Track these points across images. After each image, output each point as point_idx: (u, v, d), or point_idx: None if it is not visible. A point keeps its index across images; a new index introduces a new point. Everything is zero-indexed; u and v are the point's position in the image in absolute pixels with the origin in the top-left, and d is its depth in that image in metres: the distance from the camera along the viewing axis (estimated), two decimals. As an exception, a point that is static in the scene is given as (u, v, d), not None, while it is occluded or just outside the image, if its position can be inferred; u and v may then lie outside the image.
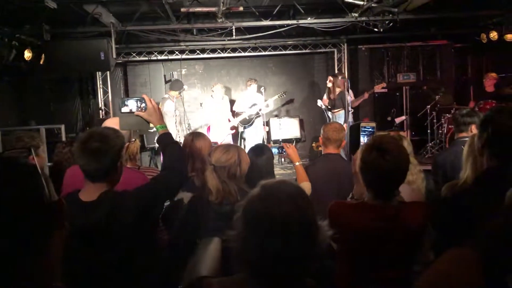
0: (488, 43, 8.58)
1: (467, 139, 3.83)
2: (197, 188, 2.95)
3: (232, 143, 8.45)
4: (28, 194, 0.99)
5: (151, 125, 2.49)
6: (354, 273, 2.04)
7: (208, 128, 8.46)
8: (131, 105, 2.44)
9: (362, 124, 2.37)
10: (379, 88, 8.38)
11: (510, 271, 1.05)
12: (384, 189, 1.97)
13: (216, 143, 3.14)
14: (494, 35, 8.34)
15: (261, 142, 8.57)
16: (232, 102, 9.10)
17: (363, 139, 2.32)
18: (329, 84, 8.35)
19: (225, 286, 1.37)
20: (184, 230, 2.80)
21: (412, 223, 1.95)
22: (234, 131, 8.65)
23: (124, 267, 2.04)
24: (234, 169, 2.68)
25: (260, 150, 3.25)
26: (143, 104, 2.43)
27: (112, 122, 3.02)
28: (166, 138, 2.45)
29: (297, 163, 3.44)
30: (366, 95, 8.26)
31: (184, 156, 2.61)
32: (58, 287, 1.04)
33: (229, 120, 8.59)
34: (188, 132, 8.38)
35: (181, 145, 3.28)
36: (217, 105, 8.45)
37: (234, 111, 8.78)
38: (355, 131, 2.44)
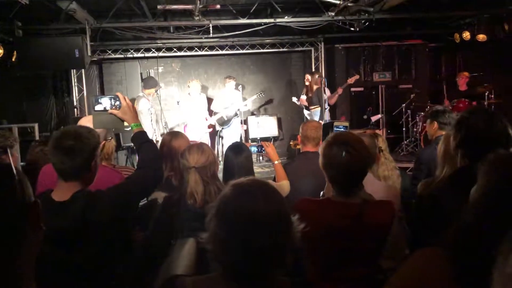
0: (461, 42, 8.76)
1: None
2: (175, 187, 2.92)
3: (209, 142, 8.43)
4: (2, 195, 0.96)
5: (125, 123, 2.46)
6: (321, 271, 2.04)
7: (185, 127, 8.39)
8: (105, 103, 2.41)
9: (335, 123, 2.38)
10: (352, 81, 8.41)
11: (479, 268, 1.06)
12: (346, 185, 1.98)
13: (195, 142, 3.09)
14: (466, 35, 8.53)
15: (238, 140, 8.56)
16: (209, 100, 9.04)
17: None
18: (307, 82, 8.40)
19: (199, 284, 1.37)
20: (159, 230, 2.76)
21: (376, 221, 1.96)
22: (211, 129, 8.62)
23: (97, 268, 2.01)
24: (213, 168, 2.65)
25: (239, 148, 3.23)
26: (117, 102, 2.40)
27: (86, 121, 2.97)
28: (140, 136, 2.42)
29: (276, 162, 3.45)
30: (340, 90, 8.30)
31: (159, 155, 2.56)
32: None
33: (206, 119, 8.54)
34: (165, 131, 8.35)
35: (159, 144, 3.24)
36: (194, 102, 8.38)
37: (212, 111, 8.74)
38: (328, 130, 2.43)
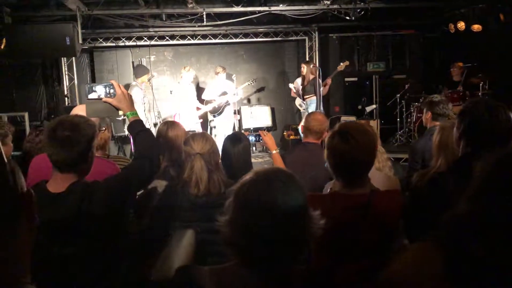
0: (455, 33, 8.73)
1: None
2: (173, 178, 2.86)
3: (201, 131, 8.34)
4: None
5: (120, 112, 2.39)
6: (327, 265, 2.01)
7: (174, 117, 8.23)
8: (100, 91, 2.33)
9: (342, 118, 2.33)
10: (342, 67, 8.31)
11: (470, 266, 1.04)
12: (352, 175, 1.95)
13: (193, 131, 3.05)
14: (461, 25, 8.49)
15: (231, 130, 8.49)
16: (201, 90, 8.94)
17: None
18: (303, 71, 8.34)
19: (217, 273, 1.35)
20: (158, 220, 2.73)
21: (385, 211, 1.93)
22: (201, 119, 8.52)
23: (93, 259, 1.97)
24: (216, 157, 2.64)
25: (237, 138, 3.18)
26: (112, 90, 2.33)
27: (79, 109, 2.90)
28: (137, 125, 2.35)
29: (274, 151, 3.41)
30: (329, 81, 8.21)
31: (156, 143, 2.51)
32: (26, 283, 0.98)
33: (198, 108, 8.43)
34: (158, 121, 8.26)
35: (155, 134, 3.18)
36: (185, 91, 8.24)
37: (204, 100, 8.64)
38: (335, 124, 2.39)
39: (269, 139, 3.52)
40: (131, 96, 2.42)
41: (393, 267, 1.24)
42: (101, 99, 2.32)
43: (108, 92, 2.33)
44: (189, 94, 8.22)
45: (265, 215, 1.24)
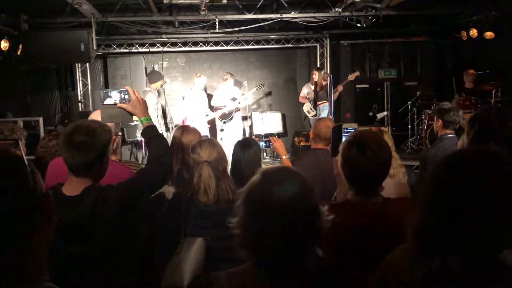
0: (468, 40, 8.69)
1: (451, 135, 3.91)
2: (186, 181, 2.89)
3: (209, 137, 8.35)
4: (18, 187, 0.96)
5: (134, 117, 2.43)
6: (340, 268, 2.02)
7: (183, 122, 8.30)
8: (115, 96, 2.38)
9: (344, 125, 2.32)
10: (352, 78, 8.36)
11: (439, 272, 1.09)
12: (367, 185, 1.94)
13: (206, 136, 3.06)
14: (474, 32, 8.45)
15: (240, 136, 8.52)
16: (210, 96, 8.99)
17: None
18: (315, 78, 8.38)
19: (233, 276, 1.38)
20: (166, 227, 2.73)
21: (398, 219, 1.93)
22: (209, 125, 8.56)
23: (105, 262, 2.01)
24: (224, 163, 2.61)
25: (247, 144, 3.20)
26: (127, 96, 2.38)
27: (97, 115, 2.94)
28: (151, 131, 2.40)
29: (284, 157, 3.43)
30: (340, 87, 8.31)
31: (169, 149, 2.54)
32: (45, 280, 1.03)
33: (207, 114, 8.48)
34: (171, 126, 8.33)
35: (169, 139, 3.23)
36: (196, 97, 8.31)
37: (213, 106, 8.69)
38: (337, 132, 2.37)
39: (279, 145, 3.54)
40: (145, 102, 2.47)
41: (381, 265, 1.37)
42: (116, 104, 2.37)
43: (123, 97, 2.37)
44: (200, 100, 8.29)
45: (274, 214, 1.25)
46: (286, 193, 1.26)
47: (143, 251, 2.61)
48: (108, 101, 2.39)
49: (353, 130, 2.21)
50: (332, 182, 3.31)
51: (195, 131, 3.28)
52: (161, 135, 2.48)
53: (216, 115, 8.52)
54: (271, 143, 3.69)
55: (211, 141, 2.64)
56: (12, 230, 0.95)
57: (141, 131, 2.46)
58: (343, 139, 2.21)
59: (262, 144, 2.98)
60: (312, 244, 1.33)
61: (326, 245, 1.99)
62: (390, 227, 1.88)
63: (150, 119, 2.45)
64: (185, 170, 3.00)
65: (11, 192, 0.96)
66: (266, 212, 1.26)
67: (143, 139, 2.60)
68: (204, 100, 8.42)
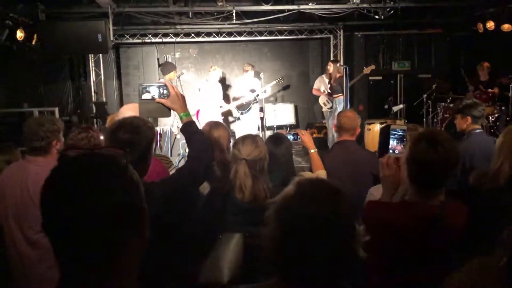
0: (484, 32, 8.59)
1: (479, 131, 3.89)
2: (218, 177, 2.88)
3: (254, 134, 8.28)
4: (131, 203, 0.95)
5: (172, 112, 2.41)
6: (384, 275, 1.98)
7: (197, 113, 8.27)
8: (153, 91, 2.36)
9: (393, 127, 2.27)
10: (368, 71, 8.32)
11: None
12: (431, 184, 1.90)
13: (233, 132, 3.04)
14: (491, 25, 8.35)
15: (255, 128, 8.48)
16: (226, 87, 8.94)
17: (393, 143, 2.21)
18: (330, 70, 8.34)
19: None
20: (203, 223, 2.72)
21: (455, 224, 1.89)
22: (223, 117, 8.53)
23: (146, 259, 2.00)
24: (263, 162, 2.53)
25: (278, 139, 3.18)
26: (165, 91, 2.35)
27: (130, 108, 2.93)
28: (191, 127, 2.39)
29: (312, 151, 3.40)
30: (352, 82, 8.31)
31: (208, 146, 2.51)
32: None
33: (221, 106, 8.45)
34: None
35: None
36: (211, 89, 8.27)
37: (232, 97, 8.65)
38: (384, 134, 2.32)
39: (307, 138, 3.52)
40: (184, 97, 2.45)
41: (454, 282, 1.20)
42: (154, 99, 2.35)
43: (161, 92, 2.35)
44: (214, 92, 8.25)
45: (310, 231, 1.17)
46: (321, 212, 1.18)
47: (180, 246, 2.62)
48: (146, 96, 2.37)
49: (401, 132, 2.17)
50: (364, 171, 3.31)
51: (223, 127, 3.25)
52: (201, 131, 2.46)
53: (232, 106, 8.48)
54: (298, 136, 3.66)
55: (255, 138, 2.58)
56: (117, 240, 0.94)
57: (180, 127, 2.44)
58: (391, 140, 2.17)
59: (289, 137, 2.95)
60: (346, 262, 1.22)
61: (374, 245, 1.98)
62: (445, 231, 1.86)
63: (190, 114, 2.43)
64: (216, 167, 2.99)
65: (124, 209, 0.95)
66: (300, 225, 1.19)
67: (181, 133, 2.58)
68: (219, 93, 8.38)
